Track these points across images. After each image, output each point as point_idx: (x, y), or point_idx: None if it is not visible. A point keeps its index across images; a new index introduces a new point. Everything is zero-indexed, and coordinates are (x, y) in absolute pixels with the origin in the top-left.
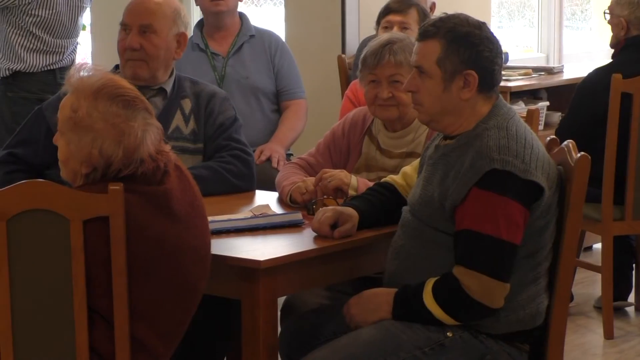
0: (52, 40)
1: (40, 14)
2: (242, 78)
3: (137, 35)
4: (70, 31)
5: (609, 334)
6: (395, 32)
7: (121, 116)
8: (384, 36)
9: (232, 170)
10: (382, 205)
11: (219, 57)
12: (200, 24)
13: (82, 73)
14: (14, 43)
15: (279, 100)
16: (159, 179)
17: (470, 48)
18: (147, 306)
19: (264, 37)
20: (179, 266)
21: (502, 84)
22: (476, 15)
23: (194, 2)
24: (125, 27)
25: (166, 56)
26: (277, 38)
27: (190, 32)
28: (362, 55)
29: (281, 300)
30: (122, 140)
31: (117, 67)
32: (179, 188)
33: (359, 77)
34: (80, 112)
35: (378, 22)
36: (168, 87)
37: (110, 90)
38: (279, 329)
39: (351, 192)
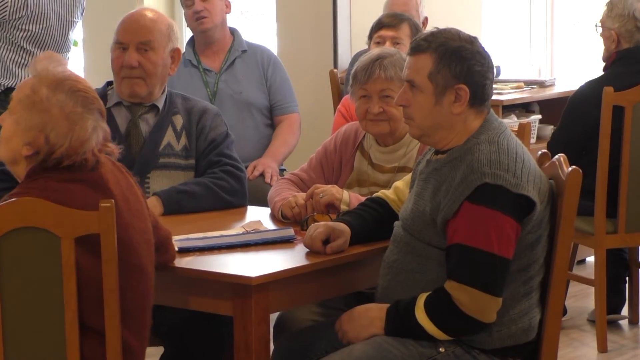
0: None
1: (30, 28)
2: (235, 93)
3: (135, 53)
4: (61, 46)
5: (602, 348)
6: (386, 47)
7: (77, 111)
8: (375, 51)
9: (224, 186)
10: (374, 220)
11: (212, 72)
12: (191, 41)
13: (48, 62)
14: (5, 58)
15: (272, 115)
16: (92, 166)
17: (462, 63)
18: None
19: (257, 52)
20: (130, 247)
21: (494, 97)
22: (468, 29)
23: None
24: (121, 45)
25: (162, 73)
26: (269, 53)
27: (182, 48)
28: (352, 71)
29: (274, 317)
30: (71, 133)
31: (108, 83)
32: (112, 173)
33: (350, 92)
34: (40, 94)
35: (370, 37)
36: (160, 104)
37: (72, 84)
38: (272, 346)
39: (343, 208)
